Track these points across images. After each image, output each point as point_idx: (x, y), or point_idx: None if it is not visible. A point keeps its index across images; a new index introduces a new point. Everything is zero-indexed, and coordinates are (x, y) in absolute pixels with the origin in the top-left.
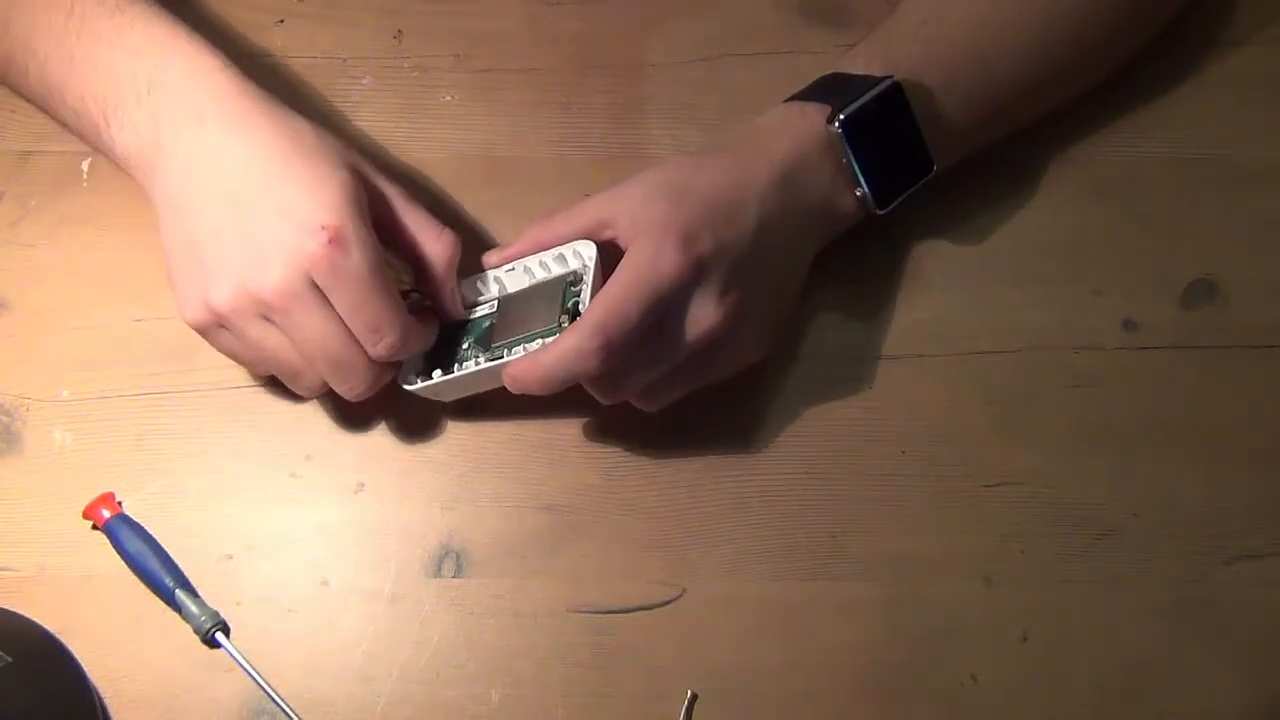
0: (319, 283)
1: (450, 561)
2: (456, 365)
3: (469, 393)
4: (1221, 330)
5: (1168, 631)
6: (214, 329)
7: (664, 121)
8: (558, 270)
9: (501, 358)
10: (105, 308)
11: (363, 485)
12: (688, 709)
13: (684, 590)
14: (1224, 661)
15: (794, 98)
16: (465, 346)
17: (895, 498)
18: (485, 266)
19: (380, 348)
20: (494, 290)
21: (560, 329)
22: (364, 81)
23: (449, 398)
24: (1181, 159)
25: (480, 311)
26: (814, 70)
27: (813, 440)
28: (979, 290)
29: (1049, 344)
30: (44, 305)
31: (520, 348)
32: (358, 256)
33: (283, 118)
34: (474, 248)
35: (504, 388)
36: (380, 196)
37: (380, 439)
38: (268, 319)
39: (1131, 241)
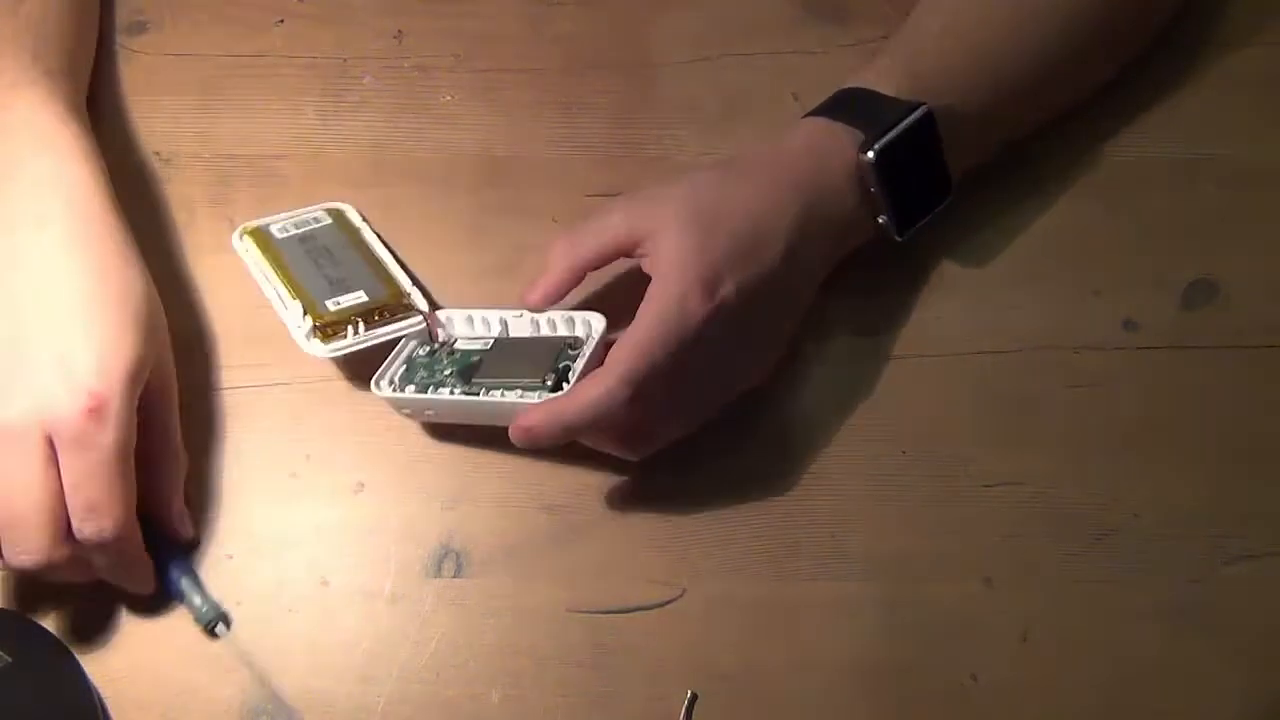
0: (58, 443)
1: (450, 561)
2: (431, 388)
3: (434, 419)
4: (1221, 330)
5: (1168, 631)
6: None
7: (664, 121)
8: (563, 331)
9: (476, 395)
10: None
11: (363, 485)
12: (688, 709)
13: (684, 590)
14: (1224, 661)
15: (820, 112)
16: (447, 373)
17: (895, 498)
18: (526, 303)
19: (91, 527)
20: (495, 330)
21: (543, 386)
22: (364, 81)
23: (410, 414)
24: (1181, 159)
25: (474, 345)
26: (814, 70)
27: (813, 440)
28: (979, 290)
29: (1049, 344)
30: None
31: (497, 393)
32: (111, 436)
33: (121, 263)
34: (473, 247)
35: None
36: (162, 391)
37: (380, 439)
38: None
39: (1131, 241)
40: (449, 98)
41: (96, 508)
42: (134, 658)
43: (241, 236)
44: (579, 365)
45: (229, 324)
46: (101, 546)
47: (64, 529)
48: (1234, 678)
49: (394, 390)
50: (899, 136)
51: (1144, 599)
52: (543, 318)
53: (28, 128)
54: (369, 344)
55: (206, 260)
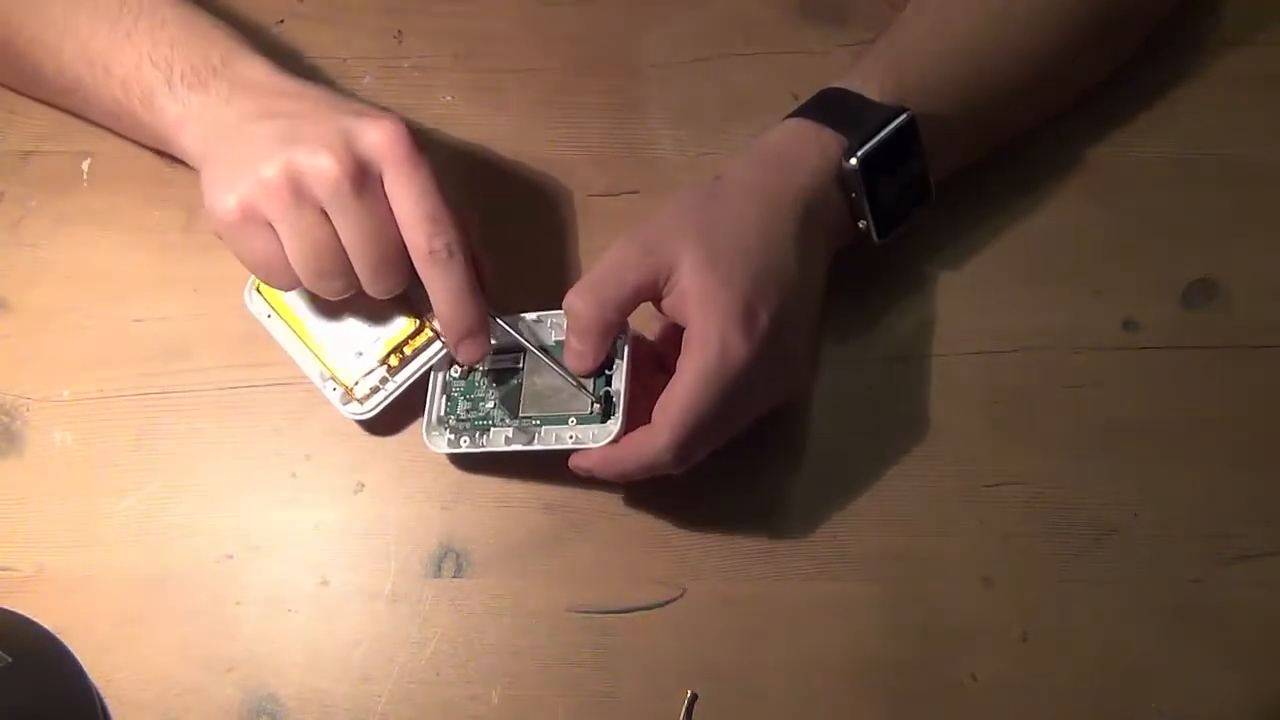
0: (388, 167)
1: (450, 561)
2: (482, 434)
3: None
4: (1221, 330)
5: (1168, 631)
6: (251, 221)
7: (664, 121)
8: None
9: (528, 433)
10: (105, 308)
11: (363, 485)
12: (688, 709)
13: (684, 590)
14: (1224, 661)
15: (804, 114)
16: (491, 406)
17: (895, 498)
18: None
19: (439, 240)
20: (523, 336)
21: (591, 415)
22: (364, 81)
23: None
24: (1181, 159)
25: (506, 362)
26: (814, 70)
27: (813, 440)
28: (979, 290)
29: (1049, 344)
30: (44, 305)
31: (551, 433)
32: (423, 152)
33: None
34: None
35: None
36: None
37: (380, 439)
38: (321, 207)
39: (1131, 241)
40: (449, 98)
41: (438, 218)
42: (134, 658)
43: (253, 292)
44: (619, 388)
45: (229, 324)
46: (451, 261)
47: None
48: (1234, 677)
49: (450, 445)
50: (881, 143)
51: (1144, 599)
52: (564, 320)
53: (221, 32)
54: (404, 388)
55: (206, 260)
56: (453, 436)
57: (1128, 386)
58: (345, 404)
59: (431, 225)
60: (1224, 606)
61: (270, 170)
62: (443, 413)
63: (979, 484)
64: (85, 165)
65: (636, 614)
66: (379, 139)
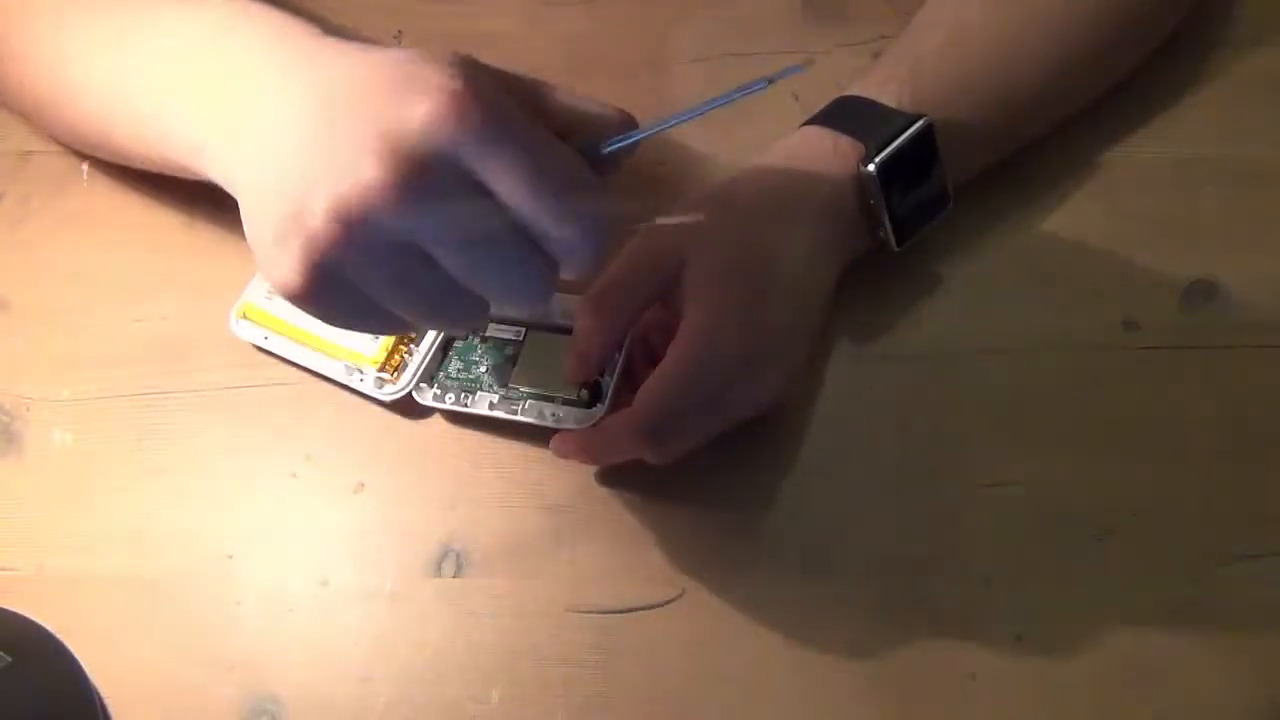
0: (460, 151)
1: (450, 561)
2: (468, 395)
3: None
4: (1221, 330)
5: (1168, 631)
6: (326, 284)
7: None
8: None
9: (512, 403)
10: (105, 308)
11: (363, 485)
12: None
13: (684, 590)
14: (1223, 661)
15: (821, 121)
16: (483, 370)
17: (895, 498)
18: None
19: (564, 230)
20: (524, 311)
21: (579, 399)
22: None
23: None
24: (1181, 159)
25: (505, 334)
26: (814, 71)
27: (813, 440)
28: (979, 290)
29: (1049, 344)
30: (44, 305)
31: (534, 410)
32: (499, 100)
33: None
34: None
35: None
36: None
37: (380, 439)
38: (398, 239)
39: (1131, 241)
40: None
41: (551, 206)
42: (134, 658)
43: (240, 321)
44: (610, 377)
45: (229, 324)
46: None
47: None
48: (1234, 678)
49: (435, 400)
50: (899, 149)
51: (1144, 599)
52: (573, 301)
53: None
54: (430, 354)
55: (206, 260)
56: (439, 392)
57: (1128, 386)
58: (380, 388)
59: (548, 217)
60: (1224, 606)
61: (315, 214)
62: (434, 368)
63: (979, 484)
64: (85, 166)
65: (636, 614)
66: (430, 118)
